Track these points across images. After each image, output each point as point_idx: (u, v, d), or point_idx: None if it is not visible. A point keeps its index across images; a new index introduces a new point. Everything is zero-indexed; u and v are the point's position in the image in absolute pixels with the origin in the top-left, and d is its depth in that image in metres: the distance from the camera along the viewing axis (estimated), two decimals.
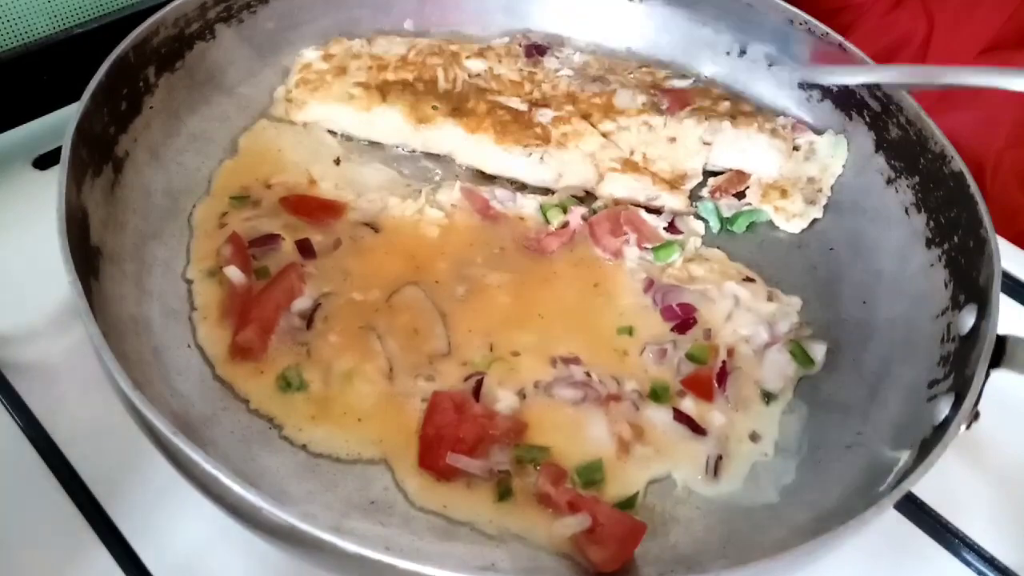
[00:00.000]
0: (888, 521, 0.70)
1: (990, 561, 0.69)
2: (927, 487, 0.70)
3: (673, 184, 0.85)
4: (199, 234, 0.77)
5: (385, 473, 0.64)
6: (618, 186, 0.85)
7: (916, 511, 0.71)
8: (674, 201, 0.85)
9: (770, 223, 0.85)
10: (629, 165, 0.86)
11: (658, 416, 0.69)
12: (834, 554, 0.56)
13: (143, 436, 0.55)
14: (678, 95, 0.90)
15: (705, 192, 0.87)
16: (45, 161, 0.87)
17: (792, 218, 0.84)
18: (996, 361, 0.60)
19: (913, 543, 0.70)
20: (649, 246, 0.81)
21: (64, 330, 0.73)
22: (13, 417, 0.69)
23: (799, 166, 0.87)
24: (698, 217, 0.85)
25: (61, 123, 0.66)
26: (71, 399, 0.70)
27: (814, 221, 0.85)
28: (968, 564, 0.69)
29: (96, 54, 0.72)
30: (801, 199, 0.85)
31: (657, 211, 0.85)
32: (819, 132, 0.88)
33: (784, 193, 0.85)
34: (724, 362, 0.72)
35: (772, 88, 0.92)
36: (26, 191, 0.85)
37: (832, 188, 0.86)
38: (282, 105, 0.87)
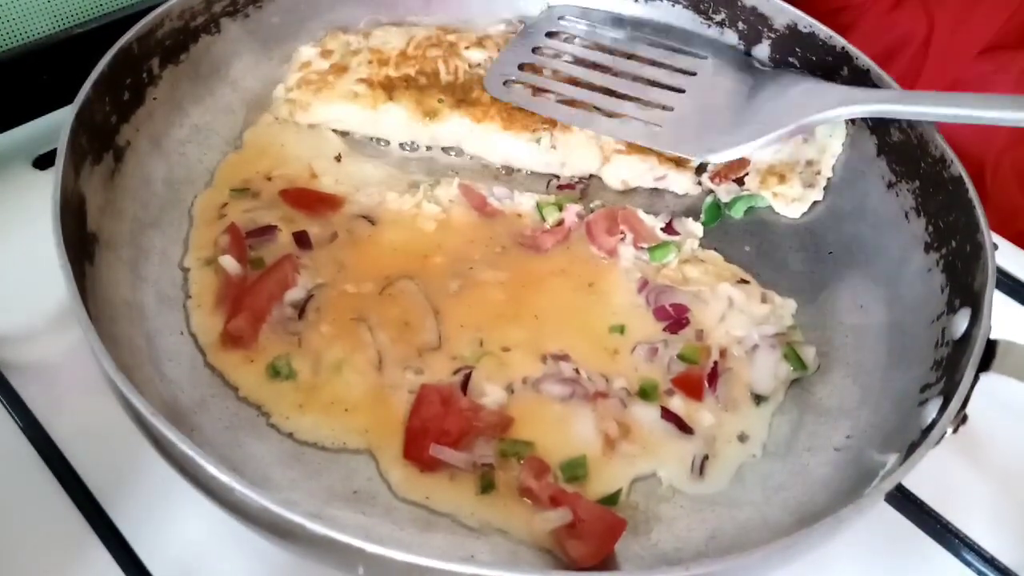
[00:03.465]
0: (887, 520, 0.70)
1: (989, 561, 0.68)
2: (927, 486, 0.71)
3: (679, 162, 0.87)
4: (198, 224, 0.77)
5: (369, 463, 0.65)
6: (624, 167, 0.86)
7: (915, 510, 0.71)
8: (681, 179, 0.87)
9: (770, 209, 0.86)
10: (633, 147, 0.86)
11: (645, 414, 0.68)
12: (819, 553, 0.55)
13: (143, 436, 0.55)
14: None
15: (705, 178, 0.88)
16: (45, 161, 0.88)
17: (791, 202, 0.85)
18: (986, 365, 0.60)
19: (912, 542, 0.70)
20: (645, 246, 0.81)
21: (64, 330, 0.74)
22: (13, 417, 0.69)
23: (797, 148, 0.87)
24: (697, 219, 0.85)
25: (61, 123, 0.67)
26: (71, 399, 0.70)
27: (814, 205, 0.85)
28: (967, 563, 0.69)
29: (96, 54, 0.72)
30: (800, 183, 0.85)
31: (659, 210, 0.85)
32: None
33: (782, 178, 0.85)
34: (716, 363, 0.72)
35: None
36: (26, 191, 0.86)
37: (832, 168, 0.85)
38: (285, 107, 0.87)
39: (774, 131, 0.78)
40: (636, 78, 0.88)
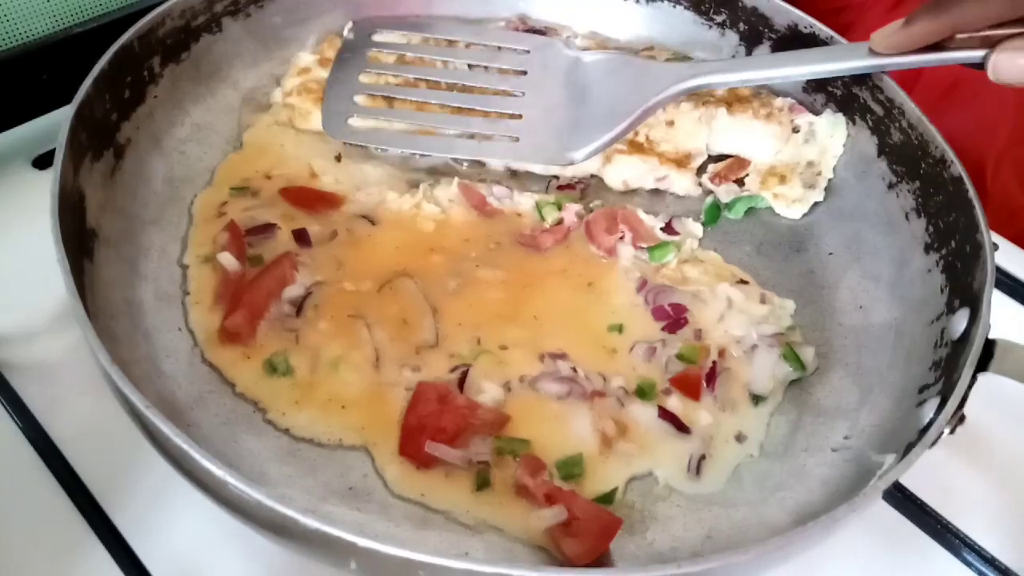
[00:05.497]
0: (887, 520, 0.70)
1: (990, 561, 0.68)
2: (927, 486, 0.71)
3: (680, 163, 0.86)
4: (198, 222, 0.77)
5: (365, 460, 0.64)
6: (625, 168, 0.86)
7: (915, 510, 0.70)
8: (682, 180, 0.86)
9: (770, 210, 0.86)
10: (635, 147, 0.86)
11: (643, 413, 0.68)
12: (819, 552, 0.55)
13: (142, 435, 0.55)
14: None
15: (705, 179, 0.87)
16: (44, 161, 0.88)
17: (792, 204, 0.85)
18: (984, 365, 0.59)
19: (913, 543, 0.69)
20: (644, 246, 0.81)
21: (64, 330, 0.74)
22: (12, 417, 0.69)
23: (799, 149, 0.87)
24: (697, 219, 0.85)
25: (60, 123, 0.67)
26: (70, 399, 0.70)
27: (814, 206, 0.84)
28: (968, 564, 0.68)
29: (96, 54, 0.72)
30: (800, 184, 0.85)
31: (658, 211, 0.85)
32: (817, 113, 0.88)
33: (783, 179, 0.85)
34: (714, 362, 0.72)
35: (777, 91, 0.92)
36: (25, 191, 0.86)
37: (834, 169, 0.85)
38: (285, 112, 0.87)
39: (624, 121, 0.78)
40: (474, 89, 0.85)
